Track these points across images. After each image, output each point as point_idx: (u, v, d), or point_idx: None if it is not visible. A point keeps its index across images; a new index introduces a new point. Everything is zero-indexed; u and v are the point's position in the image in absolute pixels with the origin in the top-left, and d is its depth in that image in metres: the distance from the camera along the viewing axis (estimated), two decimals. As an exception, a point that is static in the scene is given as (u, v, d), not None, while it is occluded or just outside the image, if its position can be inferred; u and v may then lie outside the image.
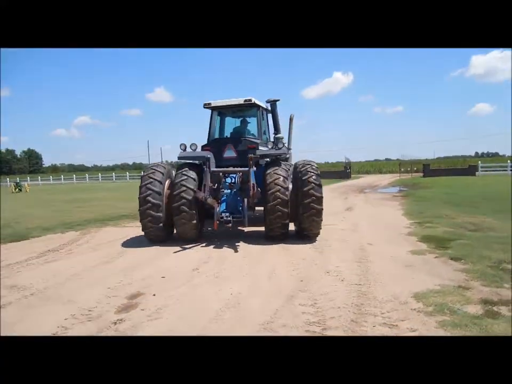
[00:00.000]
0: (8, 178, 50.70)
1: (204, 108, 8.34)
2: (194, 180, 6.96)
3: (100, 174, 58.15)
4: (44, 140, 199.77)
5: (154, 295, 4.26)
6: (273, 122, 9.41)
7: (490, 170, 33.23)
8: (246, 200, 6.95)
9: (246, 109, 8.67)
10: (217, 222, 6.75)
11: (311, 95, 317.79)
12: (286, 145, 10.22)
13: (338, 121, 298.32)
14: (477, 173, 31.38)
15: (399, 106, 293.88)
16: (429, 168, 33.28)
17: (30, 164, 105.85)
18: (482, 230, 7.32)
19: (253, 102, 7.99)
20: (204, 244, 7.13)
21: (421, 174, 33.80)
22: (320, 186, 6.74)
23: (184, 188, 6.81)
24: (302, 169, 6.94)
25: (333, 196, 16.76)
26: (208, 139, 8.43)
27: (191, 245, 6.98)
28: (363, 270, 5.01)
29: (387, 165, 60.57)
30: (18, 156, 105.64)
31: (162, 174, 7.12)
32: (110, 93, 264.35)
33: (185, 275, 5.06)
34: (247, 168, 6.98)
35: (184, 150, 7.69)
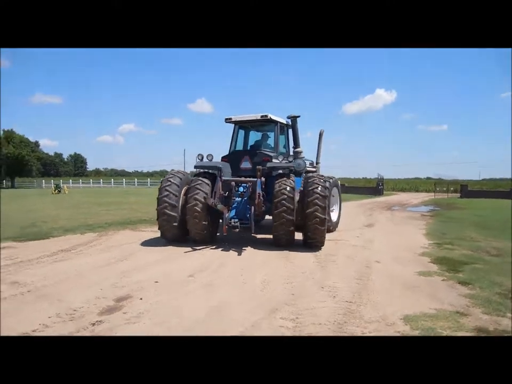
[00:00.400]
0: (52, 180, 53.72)
1: (225, 122, 8.87)
2: (205, 192, 7.36)
3: (135, 179, 60.25)
4: (90, 145, 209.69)
5: (141, 299, 4.30)
6: (293, 137, 9.63)
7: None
8: (253, 208, 7.22)
9: (264, 124, 9.03)
10: (226, 226, 7.24)
11: (352, 110, 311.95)
12: (314, 159, 10.34)
13: (379, 137, 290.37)
14: (519, 196, 29.51)
15: (443, 125, 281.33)
16: (466, 189, 31.79)
17: (75, 167, 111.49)
18: (503, 255, 6.84)
19: (268, 117, 8.27)
20: (213, 246, 7.51)
21: (458, 195, 32.30)
22: (325, 197, 6.95)
23: (197, 202, 7.25)
24: (310, 180, 7.16)
25: (357, 211, 16.35)
26: (229, 150, 8.97)
27: (199, 248, 7.31)
28: (360, 288, 4.82)
29: (425, 183, 58.31)
30: (65, 160, 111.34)
31: (178, 185, 7.57)
32: (153, 102, 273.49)
33: (179, 281, 5.08)
34: (255, 179, 7.24)
35: (201, 159, 8.22)
